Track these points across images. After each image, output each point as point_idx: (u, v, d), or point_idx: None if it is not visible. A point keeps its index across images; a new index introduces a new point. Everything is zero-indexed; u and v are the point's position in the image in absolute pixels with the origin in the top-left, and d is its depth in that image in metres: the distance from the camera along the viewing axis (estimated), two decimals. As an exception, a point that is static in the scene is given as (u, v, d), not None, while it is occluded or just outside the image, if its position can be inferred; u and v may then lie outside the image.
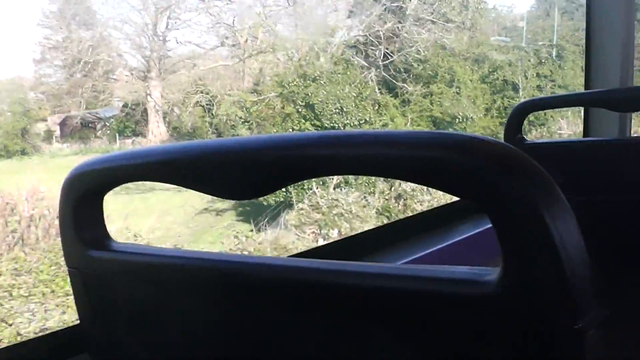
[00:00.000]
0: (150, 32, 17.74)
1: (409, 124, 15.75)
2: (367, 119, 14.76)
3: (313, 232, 10.60)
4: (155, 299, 0.80)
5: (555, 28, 18.62)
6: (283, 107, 14.38)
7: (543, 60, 17.88)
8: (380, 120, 15.21)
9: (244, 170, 0.67)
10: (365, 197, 12.25)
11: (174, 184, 0.75)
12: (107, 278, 0.83)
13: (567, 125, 15.47)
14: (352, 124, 14.38)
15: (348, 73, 14.90)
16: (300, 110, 14.44)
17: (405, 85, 16.46)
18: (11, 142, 16.94)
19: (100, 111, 18.55)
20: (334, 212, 10.73)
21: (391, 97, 16.25)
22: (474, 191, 0.54)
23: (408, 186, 11.59)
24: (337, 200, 10.95)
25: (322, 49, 15.28)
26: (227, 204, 15.38)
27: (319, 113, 14.31)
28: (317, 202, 10.86)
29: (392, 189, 11.55)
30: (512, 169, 0.53)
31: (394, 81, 16.55)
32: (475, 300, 0.56)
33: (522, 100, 14.10)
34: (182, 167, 0.72)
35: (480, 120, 16.36)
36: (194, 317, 0.78)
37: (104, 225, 0.85)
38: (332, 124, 14.34)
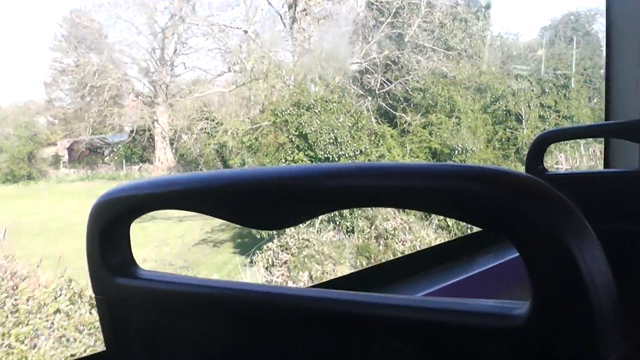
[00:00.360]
0: (158, 57, 17.66)
1: (407, 155, 15.30)
2: (363, 150, 14.35)
3: (282, 274, 10.18)
4: (180, 327, 0.80)
5: (573, 57, 18.12)
6: (276, 137, 14.04)
7: (547, 90, 17.38)
8: (377, 151, 14.79)
9: (273, 200, 0.67)
10: (342, 236, 11.76)
11: (202, 213, 0.74)
12: (133, 305, 0.83)
13: (565, 160, 15.06)
14: (347, 155, 13.98)
15: (343, 102, 14.50)
16: (293, 140, 14.08)
17: (403, 115, 16.06)
18: (17, 167, 16.90)
19: (109, 136, 18.51)
20: (304, 253, 10.27)
21: (389, 126, 15.84)
22: (504, 225, 0.54)
23: (389, 224, 11.21)
24: (307, 240, 10.44)
25: (318, 75, 14.96)
26: (226, 235, 15.18)
27: (312, 143, 13.94)
28: (287, 242, 10.43)
29: (373, 227, 11.14)
30: (541, 202, 0.53)
31: (393, 110, 16.14)
32: (505, 333, 0.56)
33: (525, 130, 13.71)
34: (211, 197, 0.72)
35: (480, 152, 15.80)
36: (219, 347, 0.78)
37: (131, 253, 0.84)
38: (326, 155, 13.95)
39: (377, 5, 16.51)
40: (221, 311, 0.76)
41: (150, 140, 18.07)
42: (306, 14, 16.20)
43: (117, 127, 18.31)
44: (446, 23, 16.90)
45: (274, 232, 11.32)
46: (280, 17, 16.66)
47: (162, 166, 17.81)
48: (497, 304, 0.58)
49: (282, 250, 10.34)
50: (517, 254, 0.54)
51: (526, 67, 18.07)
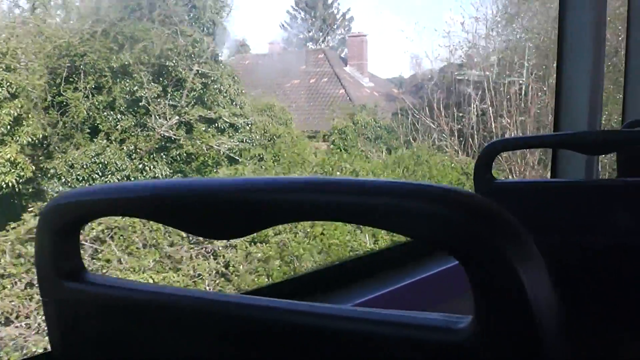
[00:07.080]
0: None
1: None
2: None
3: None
4: (128, 332, 0.79)
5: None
6: None
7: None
8: None
9: (226, 211, 0.67)
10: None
11: (154, 221, 0.76)
12: (82, 310, 0.81)
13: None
14: None
15: None
16: None
17: None
18: None
19: None
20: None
21: None
22: (448, 242, 0.55)
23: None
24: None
25: None
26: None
27: None
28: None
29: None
30: (485, 220, 0.54)
31: None
32: (448, 347, 0.56)
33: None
34: (164, 205, 0.72)
35: None
36: (167, 354, 0.77)
37: (80, 257, 0.83)
38: None
39: None
40: (169, 318, 0.75)
41: None
42: None
43: None
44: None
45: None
46: None
47: None
48: (440, 317, 0.57)
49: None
50: (455, 263, 0.54)
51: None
